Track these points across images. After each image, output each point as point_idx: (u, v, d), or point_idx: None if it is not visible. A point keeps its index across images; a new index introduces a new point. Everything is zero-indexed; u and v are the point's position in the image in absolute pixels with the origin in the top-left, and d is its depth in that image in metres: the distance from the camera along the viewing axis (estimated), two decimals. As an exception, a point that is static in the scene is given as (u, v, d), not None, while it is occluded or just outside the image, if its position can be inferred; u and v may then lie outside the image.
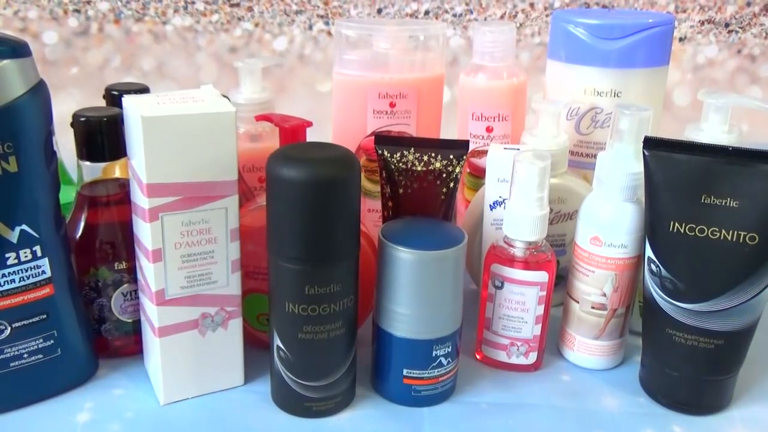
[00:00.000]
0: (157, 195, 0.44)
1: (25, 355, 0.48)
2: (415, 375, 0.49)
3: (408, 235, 0.48)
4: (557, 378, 0.54)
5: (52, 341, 0.48)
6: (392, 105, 0.63)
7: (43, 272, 0.47)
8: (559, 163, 0.58)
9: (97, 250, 0.51)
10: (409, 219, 0.53)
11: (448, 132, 0.68)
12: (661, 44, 0.61)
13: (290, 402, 0.49)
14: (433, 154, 0.52)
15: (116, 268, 0.51)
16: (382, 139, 0.54)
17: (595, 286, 0.53)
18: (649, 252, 0.49)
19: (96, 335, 0.53)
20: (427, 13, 1.02)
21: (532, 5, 1.02)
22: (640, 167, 0.49)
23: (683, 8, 1.04)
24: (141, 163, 0.44)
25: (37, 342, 0.48)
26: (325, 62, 1.02)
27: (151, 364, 0.51)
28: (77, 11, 0.99)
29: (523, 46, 1.03)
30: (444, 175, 0.53)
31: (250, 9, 1.01)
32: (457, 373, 0.52)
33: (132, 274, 0.51)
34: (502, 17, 1.03)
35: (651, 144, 0.48)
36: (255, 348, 0.53)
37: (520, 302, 0.52)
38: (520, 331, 0.53)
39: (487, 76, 0.66)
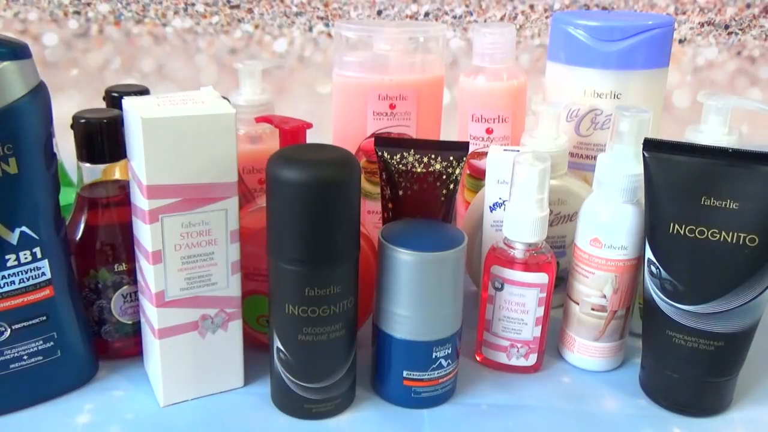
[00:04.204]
0: (157, 197, 0.44)
1: (25, 357, 0.48)
2: (415, 377, 0.49)
3: (408, 236, 0.48)
4: (557, 380, 0.54)
5: (51, 343, 0.48)
6: (392, 107, 0.63)
7: (43, 274, 0.47)
8: (559, 164, 0.58)
9: (97, 251, 0.51)
10: (409, 221, 0.53)
11: (448, 133, 0.68)
12: (661, 46, 0.61)
13: (290, 404, 0.49)
14: (433, 156, 0.52)
15: (116, 269, 0.51)
16: (382, 140, 0.54)
17: (595, 287, 0.53)
18: (649, 254, 0.49)
19: (96, 337, 0.53)
20: (427, 14, 1.02)
21: (531, 7, 1.02)
22: (639, 169, 0.49)
23: (683, 10, 1.04)
24: (141, 165, 0.44)
25: (37, 344, 0.48)
26: (325, 64, 1.02)
27: (151, 365, 0.51)
28: (77, 13, 0.99)
29: (522, 47, 1.03)
30: (444, 177, 0.53)
31: (250, 11, 1.01)
32: (457, 375, 0.52)
33: (132, 275, 0.51)
34: (501, 19, 1.03)
35: (651, 146, 0.48)
36: (255, 350, 0.53)
37: (520, 304, 0.52)
38: (520, 333, 0.53)
39: (486, 77, 0.66)
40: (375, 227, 0.64)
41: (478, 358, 0.56)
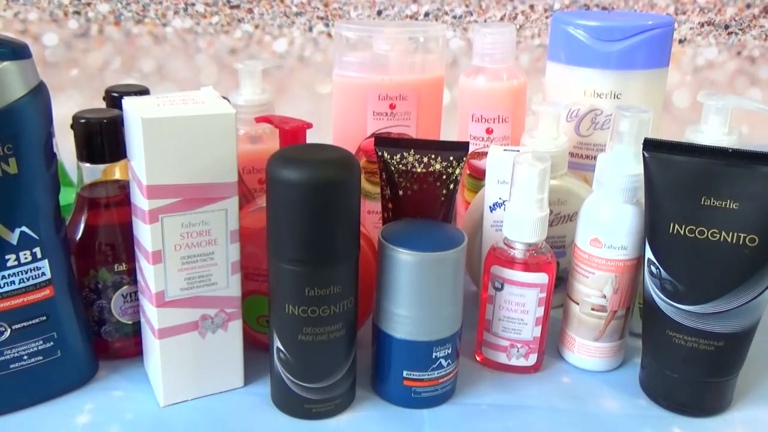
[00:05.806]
0: (157, 197, 0.44)
1: (25, 357, 0.48)
2: (415, 377, 0.49)
3: (408, 236, 0.48)
4: (557, 380, 0.54)
5: (51, 343, 0.48)
6: (392, 107, 0.63)
7: (43, 274, 0.47)
8: (559, 164, 0.58)
9: (97, 251, 0.51)
10: (409, 221, 0.53)
11: (448, 134, 0.68)
12: (661, 46, 0.61)
13: (290, 404, 0.49)
14: (433, 156, 0.52)
15: (116, 269, 0.51)
16: (382, 140, 0.54)
17: (595, 287, 0.53)
18: (649, 254, 0.49)
19: (96, 337, 0.53)
20: (427, 14, 1.02)
21: (531, 7, 1.02)
22: (639, 169, 0.49)
23: (683, 10, 1.04)
24: (141, 165, 0.44)
25: (37, 344, 0.48)
26: (325, 64, 1.02)
27: (151, 365, 0.51)
28: (77, 13, 0.99)
29: (523, 47, 1.03)
30: (444, 177, 0.53)
31: (250, 11, 1.01)
32: (457, 375, 0.52)
33: (132, 275, 0.51)
34: (501, 19, 1.03)
35: (651, 146, 0.48)
36: (255, 350, 0.53)
37: (520, 304, 0.52)
38: (520, 333, 0.53)
39: (487, 77, 0.66)
40: (375, 227, 0.64)
41: (478, 358, 0.56)
